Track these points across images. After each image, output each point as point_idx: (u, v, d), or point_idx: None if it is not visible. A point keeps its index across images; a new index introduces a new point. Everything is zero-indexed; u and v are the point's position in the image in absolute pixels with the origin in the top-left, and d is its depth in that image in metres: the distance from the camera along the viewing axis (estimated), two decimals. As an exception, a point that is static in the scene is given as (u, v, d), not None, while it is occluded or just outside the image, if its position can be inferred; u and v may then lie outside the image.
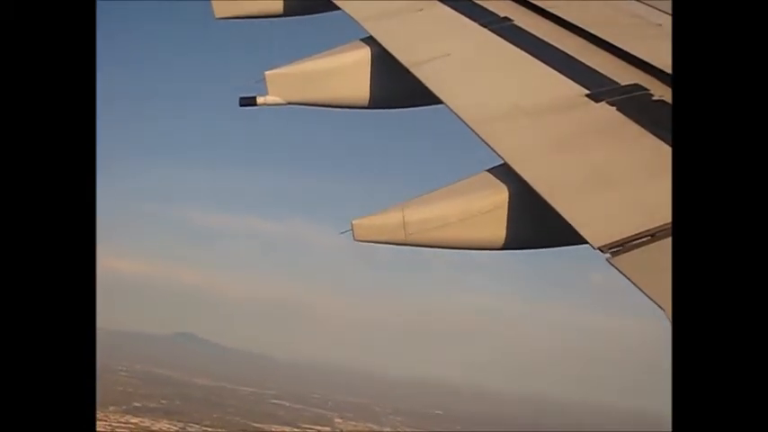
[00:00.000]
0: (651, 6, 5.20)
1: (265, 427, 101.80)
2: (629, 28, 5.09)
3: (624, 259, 3.36)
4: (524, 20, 5.43)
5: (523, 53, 5.07)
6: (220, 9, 7.02)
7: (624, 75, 4.54)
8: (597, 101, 4.39)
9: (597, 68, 4.68)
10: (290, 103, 5.79)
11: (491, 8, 5.66)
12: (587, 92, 4.48)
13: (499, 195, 4.22)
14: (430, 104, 5.27)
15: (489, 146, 4.30)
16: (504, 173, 4.21)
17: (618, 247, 3.41)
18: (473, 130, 4.45)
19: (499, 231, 4.24)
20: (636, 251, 3.36)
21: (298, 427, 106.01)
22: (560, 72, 4.74)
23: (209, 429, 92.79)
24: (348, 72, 5.74)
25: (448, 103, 4.79)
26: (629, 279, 3.27)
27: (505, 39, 5.26)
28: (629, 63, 4.62)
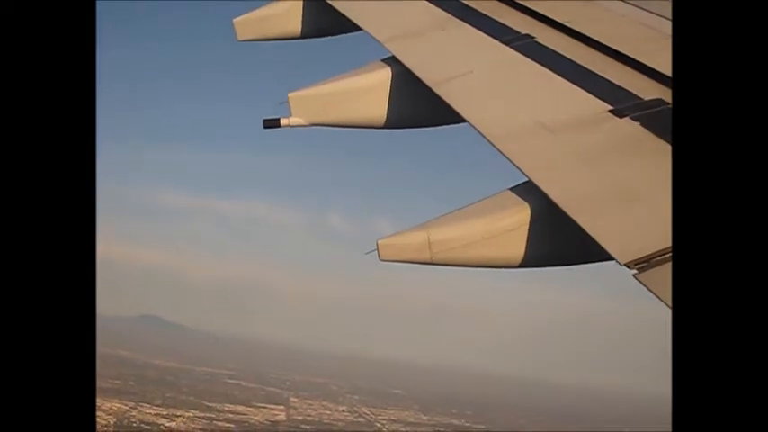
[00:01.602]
0: (670, 20, 5.19)
1: (218, 405, 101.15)
2: (649, 42, 5.08)
3: (650, 275, 3.36)
4: (546, 36, 5.44)
5: (546, 70, 5.07)
6: (243, 31, 7.08)
7: (647, 89, 4.53)
8: (620, 116, 4.38)
9: (620, 84, 4.68)
10: (313, 125, 5.82)
11: (512, 26, 5.67)
12: (610, 107, 4.47)
13: (524, 213, 4.21)
14: (454, 123, 5.28)
15: (513, 163, 4.30)
16: (529, 190, 4.21)
17: (644, 263, 3.40)
18: (496, 148, 4.46)
19: (524, 249, 4.23)
20: (662, 267, 3.35)
21: (251, 406, 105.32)
22: (583, 88, 4.74)
23: (160, 409, 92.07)
24: (371, 92, 5.76)
25: (471, 121, 4.80)
26: (655, 295, 3.26)
27: (527, 56, 5.27)
28: (651, 78, 4.62)
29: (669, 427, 2.93)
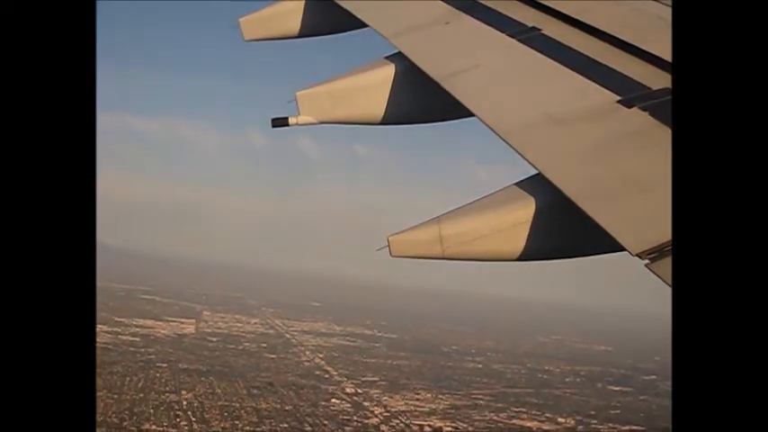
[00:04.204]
0: None
1: (126, 320, 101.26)
2: (656, 32, 5.07)
3: (663, 265, 3.36)
4: (552, 29, 5.43)
5: (553, 62, 5.06)
6: (249, 31, 7.09)
7: (655, 79, 4.52)
8: (629, 106, 4.38)
9: (627, 74, 4.67)
10: (322, 122, 5.83)
11: (518, 18, 5.66)
12: (619, 98, 4.47)
13: (534, 206, 4.22)
14: (462, 117, 5.28)
15: (522, 156, 4.31)
16: (539, 182, 4.21)
17: (655, 253, 3.40)
18: (505, 141, 4.46)
19: (535, 242, 4.24)
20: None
21: (161, 320, 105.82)
22: (591, 79, 4.74)
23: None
24: (378, 88, 5.77)
25: (479, 115, 4.80)
26: (668, 284, 3.26)
27: (534, 48, 5.26)
28: (658, 67, 4.61)
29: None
